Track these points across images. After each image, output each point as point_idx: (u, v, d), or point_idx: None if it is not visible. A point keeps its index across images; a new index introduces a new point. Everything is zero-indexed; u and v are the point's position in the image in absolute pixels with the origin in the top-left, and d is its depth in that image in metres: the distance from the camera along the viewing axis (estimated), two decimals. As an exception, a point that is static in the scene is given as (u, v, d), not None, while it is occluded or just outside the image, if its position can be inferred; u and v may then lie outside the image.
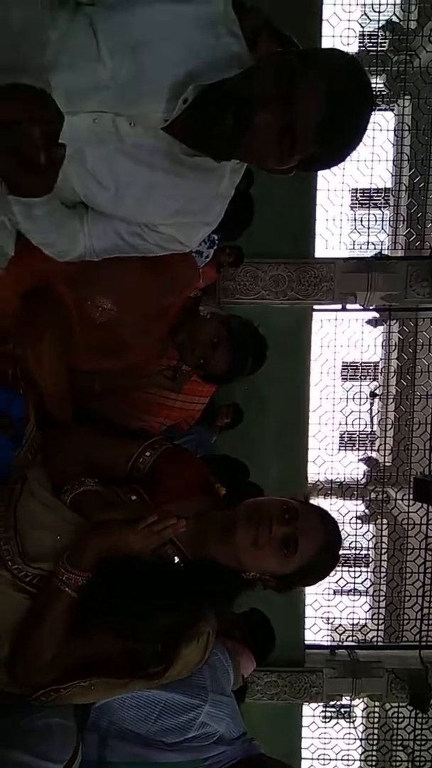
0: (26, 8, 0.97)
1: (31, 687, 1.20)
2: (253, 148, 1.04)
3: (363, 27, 5.32)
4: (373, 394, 7.26)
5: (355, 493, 6.89)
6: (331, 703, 5.18)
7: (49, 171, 0.87)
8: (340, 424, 6.75)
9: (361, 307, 4.76)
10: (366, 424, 7.19)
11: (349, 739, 5.64)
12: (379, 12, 5.02)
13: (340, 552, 1.39)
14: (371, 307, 4.88)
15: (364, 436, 8.43)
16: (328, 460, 6.71)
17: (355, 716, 6.28)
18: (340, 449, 8.07)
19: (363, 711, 6.36)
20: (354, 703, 5.76)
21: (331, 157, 1.10)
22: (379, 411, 7.41)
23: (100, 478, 1.32)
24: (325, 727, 5.61)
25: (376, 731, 5.57)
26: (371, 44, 5.71)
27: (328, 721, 5.72)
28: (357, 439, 8.51)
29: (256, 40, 1.99)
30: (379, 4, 5.01)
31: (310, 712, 5.40)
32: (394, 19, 5.43)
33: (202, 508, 1.34)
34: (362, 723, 6.09)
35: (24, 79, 0.86)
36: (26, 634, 1.19)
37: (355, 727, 5.87)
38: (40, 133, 0.84)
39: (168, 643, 1.21)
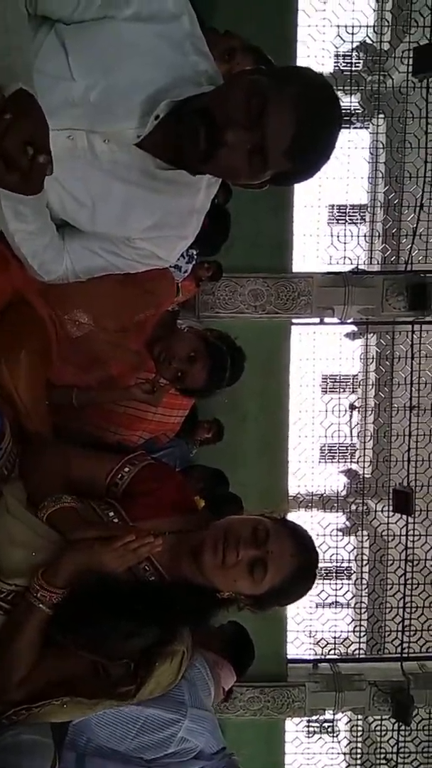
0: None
1: (2, 704, 1.19)
2: (226, 165, 1.06)
3: (337, 48, 5.44)
4: (352, 407, 7.33)
5: (336, 505, 6.92)
6: (314, 717, 5.15)
7: (32, 174, 0.88)
8: (319, 436, 6.79)
9: (339, 321, 4.82)
10: (345, 437, 7.24)
11: (333, 753, 5.61)
12: (353, 33, 5.15)
13: (320, 566, 1.36)
14: (349, 321, 4.95)
15: (344, 448, 8.49)
16: (308, 472, 6.75)
17: (339, 730, 6.26)
18: (320, 462, 8.12)
19: (346, 725, 6.34)
20: (337, 717, 5.73)
21: (303, 172, 1.12)
22: (358, 423, 7.48)
23: (78, 494, 1.31)
24: (309, 742, 5.57)
25: (359, 745, 5.54)
26: (346, 64, 5.84)
27: (312, 736, 5.69)
28: (337, 451, 8.56)
29: (233, 57, 2.05)
30: (353, 26, 5.15)
31: (293, 728, 5.37)
32: (368, 40, 5.57)
33: (180, 526, 1.32)
34: (345, 737, 6.06)
35: (19, 84, 0.89)
36: (-1, 650, 1.17)
37: (338, 741, 5.84)
38: (26, 135, 0.86)
39: (140, 662, 1.20)
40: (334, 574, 6.28)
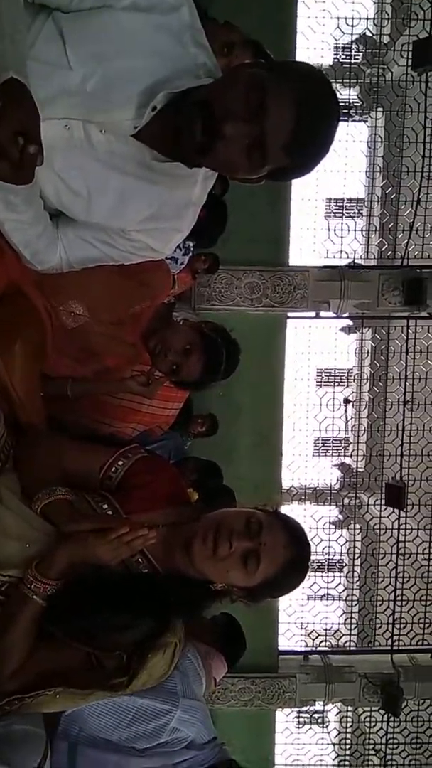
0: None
1: (-4, 694, 1.19)
2: (224, 159, 1.05)
3: (337, 40, 5.40)
4: (346, 401, 7.36)
5: (329, 498, 6.95)
6: (304, 708, 5.20)
7: (23, 164, 0.88)
8: (314, 430, 6.81)
9: (335, 315, 4.82)
10: (339, 431, 7.26)
11: (323, 744, 5.67)
12: (353, 26, 5.11)
13: (312, 559, 1.37)
14: (344, 315, 4.95)
15: (338, 442, 8.52)
16: (302, 465, 6.77)
17: (329, 721, 6.32)
18: (314, 455, 8.15)
19: (336, 716, 6.40)
20: (327, 708, 5.79)
21: (300, 167, 1.12)
22: (352, 417, 7.50)
23: (72, 486, 1.31)
24: (299, 733, 5.63)
25: (348, 736, 5.60)
26: (345, 57, 5.80)
27: (302, 727, 5.74)
28: (331, 445, 8.60)
29: (232, 51, 2.05)
30: (353, 18, 5.11)
31: (284, 718, 5.42)
32: (368, 33, 5.54)
33: (174, 519, 1.33)
34: (335, 728, 6.12)
35: (10, 73, 0.89)
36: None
37: (328, 732, 5.90)
38: (17, 125, 0.86)
39: (133, 654, 1.21)
40: (326, 567, 6.32)
